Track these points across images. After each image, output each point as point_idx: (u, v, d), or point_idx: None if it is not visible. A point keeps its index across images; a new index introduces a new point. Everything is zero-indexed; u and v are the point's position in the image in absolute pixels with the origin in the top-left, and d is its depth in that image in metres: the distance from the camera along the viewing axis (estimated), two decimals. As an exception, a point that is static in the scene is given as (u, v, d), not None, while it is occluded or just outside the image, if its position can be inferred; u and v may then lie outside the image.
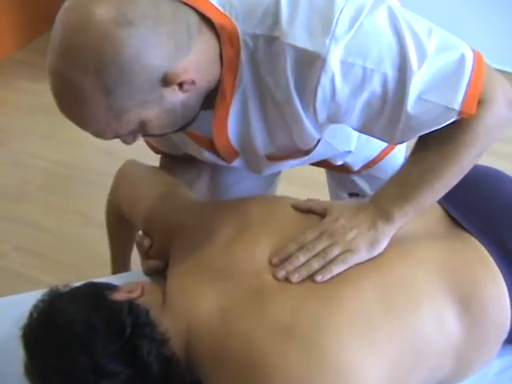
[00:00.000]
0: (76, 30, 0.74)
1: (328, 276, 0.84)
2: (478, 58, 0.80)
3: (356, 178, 1.23)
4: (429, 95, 0.78)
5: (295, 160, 1.01)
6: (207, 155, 1.01)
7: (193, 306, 0.86)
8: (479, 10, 2.54)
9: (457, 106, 0.78)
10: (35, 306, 0.87)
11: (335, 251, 0.86)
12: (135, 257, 1.14)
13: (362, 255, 0.86)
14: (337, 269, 0.85)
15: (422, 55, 0.77)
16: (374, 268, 0.87)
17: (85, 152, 2.42)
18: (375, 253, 0.87)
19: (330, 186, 1.35)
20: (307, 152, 0.96)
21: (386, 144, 1.14)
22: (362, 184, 1.23)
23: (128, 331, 0.81)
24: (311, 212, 0.94)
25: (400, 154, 1.21)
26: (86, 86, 0.74)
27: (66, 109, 0.79)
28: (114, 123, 0.78)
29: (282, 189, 1.43)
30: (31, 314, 0.86)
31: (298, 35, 0.77)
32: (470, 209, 0.96)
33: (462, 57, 0.79)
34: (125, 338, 0.81)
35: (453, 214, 0.97)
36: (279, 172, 1.33)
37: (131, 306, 0.85)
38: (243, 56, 0.81)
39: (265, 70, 0.81)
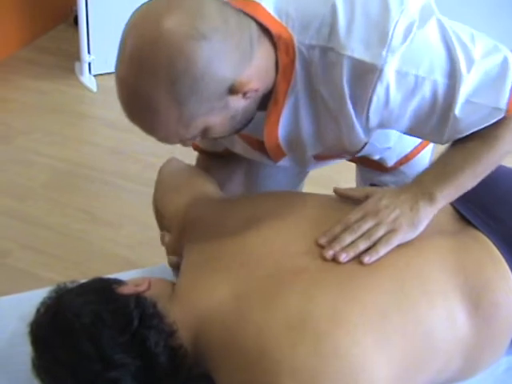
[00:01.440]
0: (150, 42, 0.75)
1: (375, 257, 0.85)
2: None
3: (387, 178, 1.24)
4: (477, 98, 0.83)
5: (341, 159, 1.05)
6: (255, 154, 1.04)
7: (204, 296, 0.87)
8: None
9: (503, 105, 0.84)
10: (42, 303, 0.87)
11: (380, 231, 0.88)
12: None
13: (405, 234, 0.88)
14: (383, 249, 0.86)
15: (470, 61, 0.83)
16: (389, 261, 0.87)
17: (89, 150, 2.43)
18: (417, 232, 0.89)
19: (357, 177, 1.36)
20: (354, 153, 1.00)
21: (419, 141, 1.17)
22: (388, 178, 1.23)
23: (135, 323, 0.82)
24: (350, 198, 0.96)
25: (429, 151, 1.24)
26: (158, 97, 0.77)
27: (136, 118, 0.81)
28: (181, 131, 0.81)
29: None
30: (38, 310, 0.87)
31: (355, 47, 0.81)
32: (479, 206, 0.96)
33: (505, 59, 0.85)
34: (132, 329, 0.81)
35: (462, 212, 0.97)
36: (307, 172, 1.37)
37: (138, 298, 0.85)
38: (298, 65, 0.85)
39: (318, 79, 0.85)
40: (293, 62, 0.84)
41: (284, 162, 1.03)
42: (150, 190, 2.26)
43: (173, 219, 1.06)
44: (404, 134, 0.91)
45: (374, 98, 0.83)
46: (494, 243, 0.92)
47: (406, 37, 0.81)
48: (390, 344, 0.80)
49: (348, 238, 0.87)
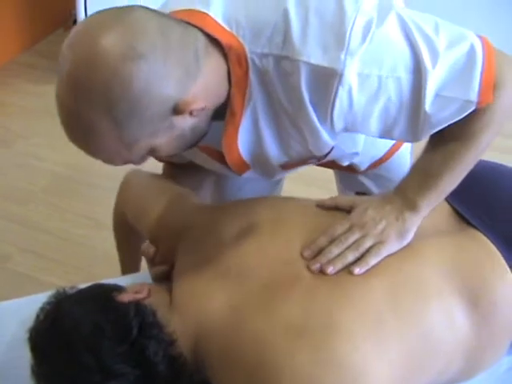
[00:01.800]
0: (84, 65, 0.73)
1: (365, 268, 0.85)
2: (486, 45, 0.81)
3: (362, 178, 1.23)
4: (446, 91, 0.79)
5: (308, 165, 1.02)
6: (217, 166, 1.01)
7: (202, 304, 0.86)
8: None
9: (474, 97, 0.80)
10: (42, 309, 0.87)
11: (367, 243, 0.87)
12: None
13: (393, 245, 0.87)
14: (372, 260, 0.85)
15: (435, 54, 0.78)
16: (383, 266, 0.86)
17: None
18: (405, 242, 0.88)
19: (339, 186, 1.36)
20: (321, 158, 0.97)
21: (391, 144, 1.16)
22: (369, 183, 1.23)
23: (135, 332, 0.81)
24: (337, 208, 0.95)
25: (406, 152, 1.22)
26: (95, 120, 0.74)
27: (75, 139, 0.79)
28: (124, 152, 0.78)
29: (286, 187, 1.42)
30: (38, 317, 0.86)
31: (311, 52, 0.77)
32: (477, 205, 0.95)
33: (472, 47, 0.80)
34: (132, 339, 0.81)
35: (460, 211, 0.97)
36: (282, 177, 1.34)
37: (138, 306, 0.85)
38: (252, 75, 0.81)
39: (276, 88, 0.81)
40: (246, 72, 0.81)
41: (249, 174, 1.00)
42: (150, 193, 2.26)
43: (160, 229, 1.03)
44: (379, 137, 0.88)
45: (337, 103, 0.79)
46: (492, 242, 0.92)
47: (364, 37, 0.77)
48: (389, 348, 0.80)
49: (335, 251, 0.86)
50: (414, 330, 0.82)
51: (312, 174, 1.48)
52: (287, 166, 0.98)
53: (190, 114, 0.78)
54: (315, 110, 0.81)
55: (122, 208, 1.17)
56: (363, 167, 1.18)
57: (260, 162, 0.95)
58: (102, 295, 0.87)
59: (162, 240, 1.02)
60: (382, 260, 0.87)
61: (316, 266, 0.86)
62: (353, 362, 0.76)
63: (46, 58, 2.99)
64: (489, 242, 0.92)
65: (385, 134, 0.86)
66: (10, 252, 1.94)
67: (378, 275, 0.85)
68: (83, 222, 2.07)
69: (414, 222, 0.89)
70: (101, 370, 0.79)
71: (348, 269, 0.85)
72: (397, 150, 1.18)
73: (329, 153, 0.95)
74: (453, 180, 0.89)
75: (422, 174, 0.90)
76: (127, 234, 1.24)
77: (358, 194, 1.23)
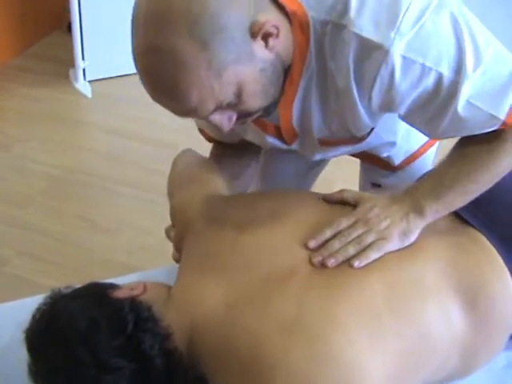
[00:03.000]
0: None
1: (365, 262, 0.86)
2: None
3: (391, 179, 1.24)
4: (477, 101, 0.82)
5: (346, 147, 1.03)
6: (269, 140, 1.03)
7: (197, 299, 0.87)
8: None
9: (502, 115, 0.82)
10: (37, 309, 0.87)
11: (370, 238, 0.88)
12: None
13: (394, 243, 0.89)
14: (373, 255, 0.87)
15: (478, 61, 0.81)
16: (381, 262, 0.87)
17: (86, 156, 2.43)
18: (406, 243, 0.90)
19: (360, 175, 1.36)
20: (360, 139, 0.99)
21: (425, 140, 1.18)
22: (391, 179, 1.24)
23: (130, 327, 0.81)
24: (343, 202, 0.96)
25: (431, 156, 1.24)
26: (182, 47, 0.74)
27: (164, 83, 0.77)
28: (215, 84, 0.77)
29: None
30: (33, 317, 0.86)
31: (364, 25, 0.80)
32: (475, 205, 0.96)
33: None
34: (127, 333, 0.81)
35: (459, 211, 0.97)
36: (316, 176, 1.39)
37: (133, 302, 0.85)
38: (312, 41, 0.84)
39: (329, 56, 0.84)
40: (308, 39, 0.84)
41: (295, 146, 1.03)
42: (147, 195, 2.28)
43: (176, 214, 1.05)
44: (401, 119, 0.90)
45: (378, 79, 0.81)
46: (490, 242, 0.92)
47: (416, 22, 0.79)
48: (385, 344, 0.80)
49: (337, 245, 0.88)
50: (410, 327, 0.83)
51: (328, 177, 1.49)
52: (326, 143, 1.00)
53: (266, 43, 0.79)
54: (357, 84, 0.84)
55: (167, 186, 1.18)
56: (397, 161, 1.19)
57: (305, 131, 0.97)
58: (98, 293, 0.88)
59: (176, 227, 1.04)
60: (381, 256, 0.87)
61: (318, 259, 0.87)
62: (348, 357, 0.77)
63: (40, 61, 2.99)
64: (487, 242, 0.93)
65: (408, 119, 0.89)
66: (8, 255, 1.94)
67: (376, 271, 0.86)
68: (81, 225, 2.08)
69: (418, 226, 0.90)
70: (97, 365, 0.80)
71: (347, 262, 0.86)
72: (428, 148, 1.20)
73: (368, 135, 0.97)
74: (463, 197, 0.91)
75: (436, 182, 0.92)
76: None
77: (373, 185, 1.24)
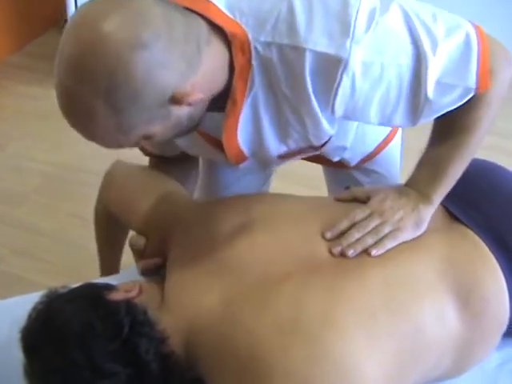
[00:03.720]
0: (87, 49, 0.72)
1: (381, 251, 0.88)
2: (480, 33, 0.84)
3: (354, 173, 1.25)
4: (446, 78, 0.82)
5: (304, 155, 1.03)
6: (216, 154, 1.01)
7: (194, 300, 0.86)
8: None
9: (472, 83, 0.83)
10: (34, 308, 0.87)
11: (386, 229, 0.90)
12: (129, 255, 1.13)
13: (409, 233, 0.91)
14: (389, 244, 0.89)
15: (435, 42, 0.81)
16: (378, 261, 0.88)
17: (81, 154, 2.42)
18: (418, 232, 0.92)
19: (327, 182, 1.38)
20: (317, 148, 0.99)
21: (380, 139, 1.18)
22: (360, 178, 1.25)
23: (126, 330, 0.81)
24: (355, 199, 0.98)
25: (396, 147, 1.24)
26: (95, 105, 0.74)
27: (73, 122, 0.79)
28: (121, 138, 0.79)
29: (278, 187, 1.43)
30: (30, 316, 0.86)
31: (317, 40, 0.78)
32: (468, 203, 0.97)
33: (467, 35, 0.83)
34: (123, 337, 0.81)
35: (451, 209, 0.98)
36: (272, 172, 1.37)
37: (129, 305, 0.85)
38: (254, 63, 0.82)
39: (278, 76, 0.82)
40: (249, 60, 0.81)
41: (246, 165, 1.01)
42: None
43: (150, 222, 1.03)
44: (378, 125, 0.90)
45: (340, 91, 0.80)
46: (482, 240, 0.93)
47: (369, 25, 0.79)
48: (381, 344, 0.80)
49: (356, 235, 0.90)
50: (406, 326, 0.83)
51: (300, 171, 1.48)
52: (285, 157, 1.00)
53: (188, 104, 0.79)
54: (317, 98, 0.83)
55: (105, 200, 1.17)
56: (353, 162, 1.19)
57: (258, 151, 0.96)
58: (93, 294, 0.88)
59: (153, 233, 1.03)
60: (379, 255, 0.88)
61: (337, 249, 0.88)
62: (345, 357, 0.77)
63: (37, 59, 2.99)
64: (480, 240, 0.93)
65: (384, 120, 0.88)
66: (3, 254, 1.94)
67: (373, 269, 0.86)
68: (75, 223, 2.07)
69: (428, 213, 0.94)
70: (92, 369, 0.79)
71: (346, 261, 0.87)
72: (386, 145, 1.20)
73: (325, 143, 0.97)
74: (460, 168, 0.93)
75: (432, 168, 0.94)
76: (110, 227, 1.23)
77: (347, 188, 1.24)
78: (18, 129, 2.55)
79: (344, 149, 1.09)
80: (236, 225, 0.93)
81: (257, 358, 0.77)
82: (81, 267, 1.90)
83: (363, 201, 0.97)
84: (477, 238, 0.93)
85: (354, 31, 0.78)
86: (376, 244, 0.89)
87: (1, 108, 2.68)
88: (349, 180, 1.26)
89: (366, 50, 0.79)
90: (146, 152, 1.18)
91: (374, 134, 1.17)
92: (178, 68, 0.75)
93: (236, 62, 0.82)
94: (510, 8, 2.69)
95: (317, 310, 0.80)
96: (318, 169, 1.37)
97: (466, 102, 0.85)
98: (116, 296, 0.87)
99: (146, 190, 1.09)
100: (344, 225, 0.91)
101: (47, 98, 2.79)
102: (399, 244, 0.90)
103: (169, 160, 1.18)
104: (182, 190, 1.10)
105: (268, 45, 0.80)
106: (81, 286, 0.92)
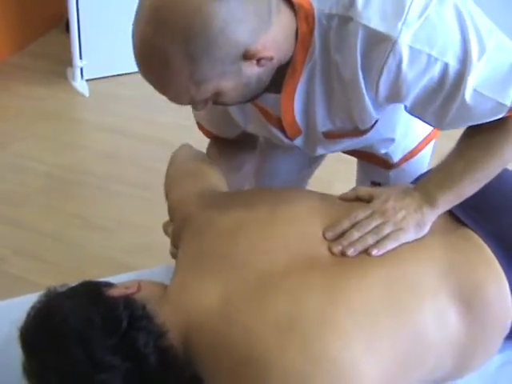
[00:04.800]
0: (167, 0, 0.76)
1: (382, 251, 0.88)
2: None
3: (390, 175, 1.26)
4: (484, 89, 0.83)
5: (349, 140, 1.04)
6: (272, 131, 1.05)
7: (193, 296, 0.86)
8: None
9: (508, 102, 0.84)
10: (32, 307, 0.87)
11: (387, 229, 0.90)
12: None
13: (410, 234, 0.91)
14: (390, 244, 0.89)
15: (482, 50, 0.83)
16: (379, 262, 0.87)
17: (83, 154, 2.43)
18: (420, 234, 0.92)
19: (358, 174, 1.39)
20: (363, 132, 1.00)
21: (423, 136, 1.20)
22: (393, 179, 1.25)
23: (124, 325, 0.81)
24: (358, 199, 0.98)
25: (428, 153, 1.26)
26: (173, 53, 0.78)
27: (149, 72, 0.82)
28: (192, 90, 0.82)
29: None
30: (28, 314, 0.86)
31: (371, 17, 0.81)
32: (471, 205, 0.96)
33: None
34: (121, 331, 0.81)
35: (454, 211, 0.97)
36: (313, 171, 1.42)
37: (127, 300, 0.85)
38: (316, 33, 0.85)
39: (335, 48, 0.86)
40: (312, 30, 0.85)
41: (298, 142, 1.04)
42: (144, 193, 2.28)
43: (174, 210, 1.06)
44: (408, 112, 0.92)
45: (385, 69, 0.83)
46: (485, 242, 0.92)
47: (422, 12, 0.81)
48: (380, 345, 0.80)
49: (356, 234, 0.90)
50: (406, 329, 0.83)
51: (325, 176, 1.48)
52: (330, 136, 1.02)
53: (258, 62, 0.82)
54: (364, 76, 0.85)
55: (165, 181, 1.19)
56: (396, 159, 1.21)
57: (308, 125, 0.99)
58: (92, 291, 0.88)
59: (174, 222, 1.05)
60: (380, 256, 0.88)
61: (338, 248, 0.88)
62: (344, 357, 0.76)
63: (38, 60, 2.99)
64: (482, 242, 0.93)
65: (417, 111, 0.90)
66: (4, 254, 1.94)
67: (374, 270, 0.86)
68: (77, 223, 2.07)
69: (431, 217, 0.93)
70: (91, 363, 0.79)
71: (346, 261, 0.87)
72: (426, 145, 1.22)
73: (371, 128, 0.98)
74: (473, 186, 0.92)
75: (446, 174, 0.94)
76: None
77: (372, 183, 1.24)
78: (20, 129, 2.55)
79: (392, 141, 1.12)
80: (238, 220, 0.94)
81: (254, 357, 0.77)
82: (82, 267, 1.90)
83: (366, 200, 0.97)
84: (480, 241, 0.93)
85: (407, 15, 0.80)
86: (377, 244, 0.89)
87: (3, 108, 2.69)
88: (376, 174, 1.27)
89: (415, 36, 0.81)
90: (206, 132, 1.21)
91: (418, 130, 1.19)
92: (251, 24, 0.79)
93: (300, 31, 0.86)
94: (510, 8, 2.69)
95: (315, 310, 0.80)
96: (325, 169, 1.37)
97: (498, 122, 0.86)
98: (115, 292, 0.87)
99: (181, 180, 1.11)
100: (345, 225, 0.91)
101: (50, 99, 2.80)
102: (400, 245, 0.90)
103: (227, 143, 1.21)
104: (218, 186, 1.10)
105: (331, 16, 0.84)
106: (80, 284, 0.92)
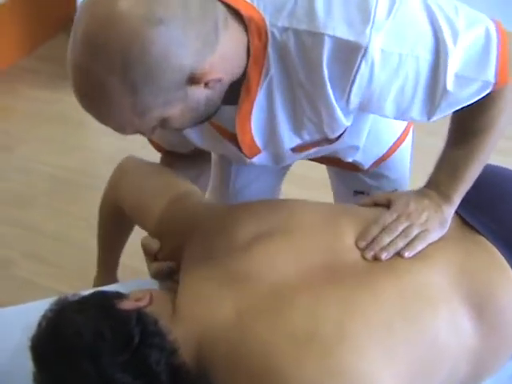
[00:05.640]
0: (103, 25, 0.71)
1: (413, 252, 0.89)
2: (499, 28, 0.84)
3: (364, 177, 1.24)
4: (465, 71, 0.82)
5: (317, 149, 1.01)
6: (229, 148, 1.00)
7: (207, 310, 0.85)
8: None
9: (492, 78, 0.83)
10: (44, 316, 0.86)
11: (415, 231, 0.92)
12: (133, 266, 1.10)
13: (436, 233, 0.93)
14: (420, 245, 0.90)
15: (455, 34, 0.81)
16: (392, 271, 0.87)
17: (91, 158, 2.43)
18: (444, 231, 0.94)
19: (334, 185, 1.36)
20: (332, 141, 0.98)
21: (393, 141, 1.18)
22: (370, 182, 1.24)
23: (136, 341, 0.80)
24: (376, 205, 0.99)
25: (406, 151, 1.23)
26: (111, 83, 0.73)
27: (88, 104, 0.77)
28: (136, 121, 0.77)
29: (283, 190, 1.42)
30: (39, 325, 0.85)
31: (336, 26, 0.77)
32: (483, 211, 0.96)
33: (487, 30, 0.83)
34: (133, 348, 0.79)
35: (465, 217, 0.97)
36: (285, 173, 1.35)
37: (139, 315, 0.83)
38: (270, 49, 0.81)
39: (294, 63, 0.81)
40: (265, 46, 0.80)
41: (259, 159, 0.99)
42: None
43: (164, 226, 1.01)
44: (395, 119, 0.90)
45: (358, 78, 0.79)
46: (497, 248, 0.92)
47: (389, 12, 0.78)
48: (396, 356, 0.79)
49: (386, 239, 0.90)
50: (421, 337, 0.82)
51: (299, 172, 1.47)
52: (298, 149, 0.99)
53: (206, 85, 0.77)
54: (333, 86, 0.81)
55: (115, 195, 1.14)
56: (367, 165, 1.18)
57: (271, 143, 0.95)
58: (104, 303, 0.86)
59: (167, 237, 1.01)
60: (393, 264, 0.88)
61: (370, 254, 0.89)
62: (361, 371, 0.76)
63: (47, 63, 2.99)
64: (495, 248, 0.92)
65: (399, 113, 0.87)
66: (13, 257, 1.94)
67: (388, 280, 0.85)
68: (85, 226, 2.07)
69: (450, 213, 0.95)
70: (101, 380, 0.78)
71: (361, 270, 0.87)
72: (398, 147, 1.19)
73: (340, 136, 0.96)
74: (480, 167, 0.94)
75: (451, 169, 0.95)
76: (114, 223, 1.21)
77: (356, 192, 1.23)
78: (28, 132, 2.56)
79: (357, 149, 1.08)
80: (252, 233, 0.92)
81: (271, 370, 0.76)
82: (90, 270, 1.89)
83: (384, 205, 0.97)
84: (491, 247, 0.93)
85: (374, 18, 0.77)
86: (407, 246, 0.90)
87: (11, 111, 2.69)
88: (357, 183, 1.25)
89: (386, 37, 0.78)
90: (157, 147, 1.17)
91: (387, 135, 1.16)
92: (195, 47, 0.74)
93: (252, 46, 0.80)
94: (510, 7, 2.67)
95: (332, 322, 0.79)
96: (317, 170, 1.36)
97: (483, 100, 0.85)
98: (126, 305, 0.85)
99: (159, 192, 1.06)
100: (374, 231, 0.92)
101: (57, 102, 2.80)
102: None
103: (180, 157, 1.17)
104: (195, 191, 1.08)
105: (285, 30, 0.79)
106: (91, 295, 0.90)
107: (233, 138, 0.95)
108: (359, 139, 1.06)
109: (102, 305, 0.86)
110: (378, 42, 0.77)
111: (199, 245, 0.95)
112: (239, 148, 0.96)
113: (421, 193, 0.97)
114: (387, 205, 0.97)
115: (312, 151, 1.02)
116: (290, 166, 1.32)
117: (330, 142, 0.97)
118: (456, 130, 0.94)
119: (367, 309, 0.81)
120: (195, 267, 0.93)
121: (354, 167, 1.19)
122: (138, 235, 2.00)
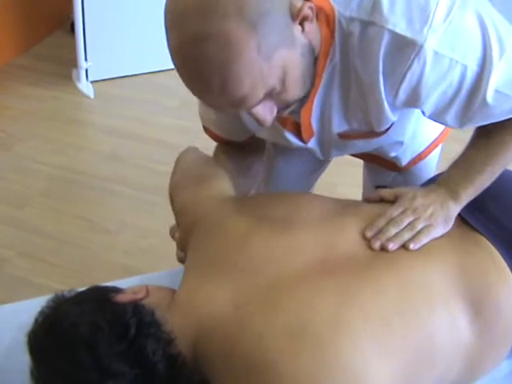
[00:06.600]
0: None
1: (418, 245, 0.91)
2: None
3: (398, 179, 1.27)
4: (505, 89, 0.85)
5: (363, 141, 1.05)
6: (287, 136, 1.04)
7: (204, 301, 0.86)
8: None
9: None
10: (40, 312, 0.86)
11: (420, 225, 0.93)
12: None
13: (440, 229, 0.94)
14: (425, 239, 0.92)
15: (502, 49, 0.84)
16: (393, 265, 0.87)
17: (87, 156, 2.43)
18: (448, 228, 0.95)
19: (365, 183, 1.41)
20: (378, 134, 1.01)
21: (432, 139, 1.22)
22: (401, 183, 1.26)
23: (132, 331, 0.81)
24: (382, 200, 1.01)
25: (436, 156, 1.27)
26: (233, 30, 0.74)
27: (216, 73, 0.76)
28: (265, 68, 0.77)
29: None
30: (36, 320, 0.86)
31: (397, 22, 0.81)
32: (482, 211, 0.96)
33: None
34: (129, 338, 0.80)
35: (465, 216, 0.97)
36: (317, 178, 1.43)
37: (136, 306, 0.84)
38: (337, 37, 0.86)
39: (355, 53, 0.86)
40: (332, 33, 0.86)
41: (312, 144, 1.05)
42: (148, 195, 2.28)
43: (181, 214, 1.05)
44: (429, 118, 0.93)
45: (408, 75, 0.84)
46: (496, 248, 0.92)
47: (446, 17, 0.82)
48: (392, 351, 0.79)
49: (393, 230, 0.92)
50: (418, 333, 0.82)
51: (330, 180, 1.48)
52: (345, 136, 1.02)
53: (302, 27, 0.81)
54: (385, 79, 0.86)
55: (170, 184, 1.17)
56: (404, 162, 1.21)
57: (323, 127, 0.99)
58: (100, 297, 0.87)
59: (180, 226, 1.04)
60: (392, 260, 0.89)
61: (377, 244, 0.90)
62: (356, 362, 0.76)
63: (43, 61, 3.00)
64: (493, 248, 0.93)
65: (436, 116, 0.91)
66: (8, 256, 1.94)
67: (388, 274, 0.86)
68: (81, 225, 2.07)
69: (456, 211, 0.96)
70: (99, 370, 0.79)
71: (360, 268, 0.87)
72: (434, 148, 1.23)
73: (386, 130, 0.99)
74: (493, 176, 0.96)
75: (466, 168, 0.97)
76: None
77: (377, 187, 1.25)
78: (24, 130, 2.56)
79: (401, 144, 1.13)
80: (251, 225, 0.93)
81: (266, 362, 0.76)
82: (86, 269, 1.90)
83: (391, 201, 0.99)
84: (491, 247, 0.93)
85: (432, 20, 0.81)
86: (413, 239, 0.92)
87: (7, 109, 2.69)
88: (387, 180, 1.28)
89: (440, 40, 0.82)
90: (213, 136, 1.20)
91: (427, 132, 1.20)
92: None
93: (321, 33, 0.86)
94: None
95: (328, 314, 0.80)
96: (330, 173, 1.37)
97: None
98: (123, 298, 0.86)
99: (187, 184, 1.10)
100: (381, 222, 0.93)
101: (54, 100, 2.81)
102: (411, 250, 0.91)
103: (234, 149, 1.20)
104: (220, 185, 1.09)
105: (352, 20, 0.84)
106: (88, 289, 0.91)
107: (292, 126, 1.01)
108: (403, 134, 1.10)
109: (99, 298, 0.87)
110: (432, 43, 0.81)
111: (200, 236, 0.96)
112: (297, 135, 1.02)
113: (429, 188, 0.99)
114: (394, 200, 0.99)
115: (358, 144, 1.06)
116: (323, 170, 1.42)
117: (377, 135, 1.01)
118: (479, 136, 0.96)
119: (365, 302, 0.81)
120: (195, 258, 0.94)
121: (392, 165, 1.22)
122: (139, 236, 2.02)
